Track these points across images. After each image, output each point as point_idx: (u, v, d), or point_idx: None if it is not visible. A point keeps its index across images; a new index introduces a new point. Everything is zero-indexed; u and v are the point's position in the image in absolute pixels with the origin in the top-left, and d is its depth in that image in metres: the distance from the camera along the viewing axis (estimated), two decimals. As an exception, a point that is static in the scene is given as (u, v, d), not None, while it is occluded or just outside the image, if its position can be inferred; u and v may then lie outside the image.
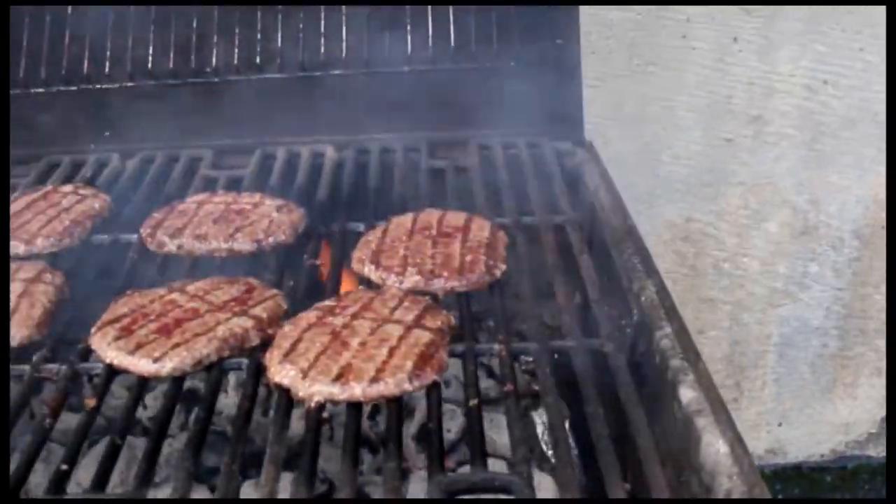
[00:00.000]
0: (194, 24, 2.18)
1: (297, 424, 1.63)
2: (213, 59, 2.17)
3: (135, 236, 1.69)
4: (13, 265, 1.57)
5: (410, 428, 1.68)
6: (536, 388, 1.61)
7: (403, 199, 1.80)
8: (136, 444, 1.68)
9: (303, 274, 1.58)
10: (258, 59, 2.16)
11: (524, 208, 1.75)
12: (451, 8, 2.14)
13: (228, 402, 1.75)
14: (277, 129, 2.12)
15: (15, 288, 1.49)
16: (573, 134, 2.04)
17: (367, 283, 1.54)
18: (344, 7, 2.15)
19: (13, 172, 2.03)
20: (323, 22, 2.16)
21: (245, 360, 1.37)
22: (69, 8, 2.19)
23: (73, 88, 2.18)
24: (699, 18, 2.86)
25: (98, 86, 2.18)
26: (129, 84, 2.17)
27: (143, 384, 1.35)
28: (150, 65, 2.17)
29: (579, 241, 1.64)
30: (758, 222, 3.08)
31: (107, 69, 2.17)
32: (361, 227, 1.70)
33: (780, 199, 3.05)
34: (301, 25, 2.17)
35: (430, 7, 2.15)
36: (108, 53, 2.17)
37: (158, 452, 1.24)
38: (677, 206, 3.04)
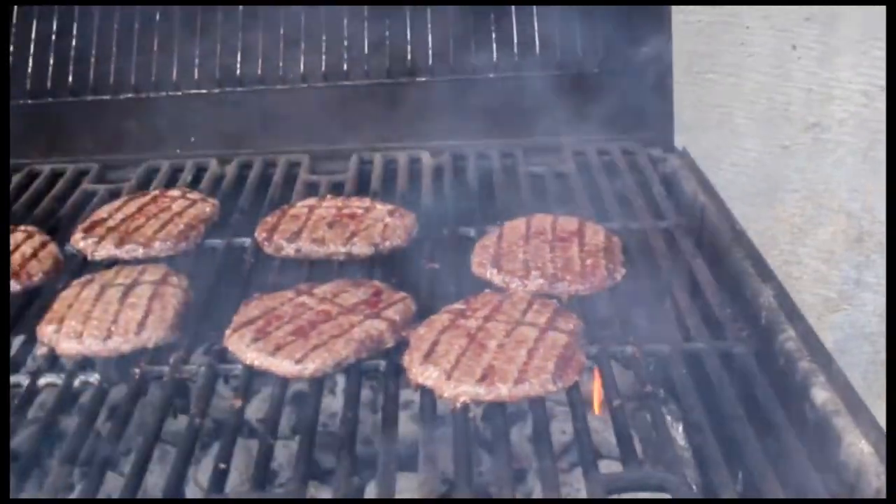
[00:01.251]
0: (281, 31, 2.20)
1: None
2: (301, 66, 2.19)
3: (248, 240, 1.71)
4: (137, 267, 1.59)
5: (524, 429, 1.70)
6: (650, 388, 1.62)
7: (507, 204, 1.82)
8: (250, 446, 1.70)
9: (422, 277, 1.60)
10: (345, 66, 2.19)
11: (628, 213, 1.77)
12: (534, 11, 2.16)
13: (337, 404, 1.76)
14: (367, 135, 2.14)
15: (144, 290, 1.51)
16: (663, 140, 2.06)
17: (488, 285, 1.55)
18: (429, 11, 2.17)
19: (108, 177, 2.05)
20: (409, 30, 2.18)
21: (382, 362, 1.39)
22: (157, 14, 2.21)
23: (162, 94, 2.20)
24: (759, 26, 2.88)
25: (185, 92, 2.20)
26: (217, 90, 2.20)
27: (284, 385, 1.37)
28: (238, 71, 2.19)
29: (690, 246, 1.66)
30: (813, 228, 3.10)
31: (195, 75, 2.19)
32: (472, 231, 1.72)
33: (836, 206, 3.06)
34: (387, 33, 2.19)
35: (513, 8, 2.16)
36: (197, 60, 2.19)
37: (313, 452, 1.26)
38: (734, 212, 3.05)
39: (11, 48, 2.22)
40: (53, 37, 2.22)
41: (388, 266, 1.63)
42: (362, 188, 1.89)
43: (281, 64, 2.19)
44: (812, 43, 2.88)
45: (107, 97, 2.20)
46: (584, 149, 2.01)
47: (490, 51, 2.17)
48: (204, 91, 2.20)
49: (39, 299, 1.59)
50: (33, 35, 2.22)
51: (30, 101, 2.21)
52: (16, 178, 2.03)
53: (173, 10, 2.21)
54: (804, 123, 2.98)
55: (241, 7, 2.21)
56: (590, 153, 1.99)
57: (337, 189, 1.89)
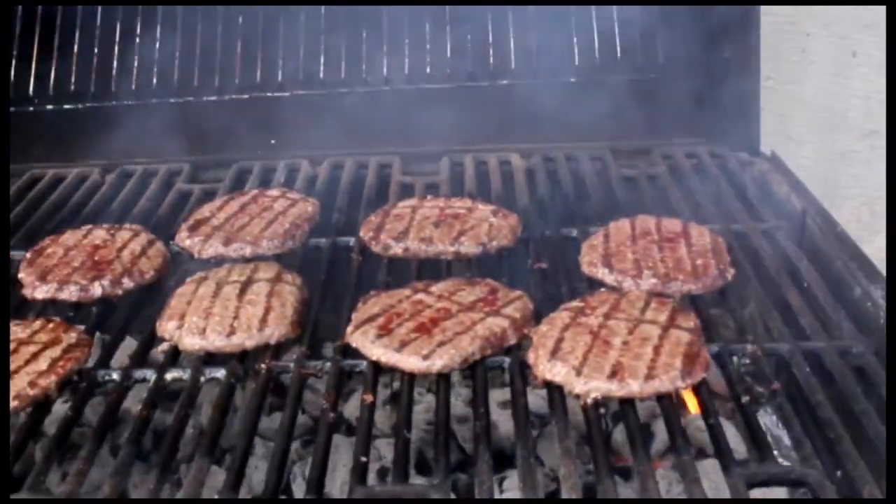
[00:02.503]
0: (364, 35, 2.22)
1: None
2: (384, 69, 2.21)
3: (352, 239, 1.73)
4: (249, 265, 1.60)
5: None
6: (760, 388, 1.64)
7: (603, 206, 1.83)
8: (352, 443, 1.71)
9: (531, 276, 1.61)
10: (427, 69, 2.20)
11: (726, 215, 1.78)
12: (615, 14, 2.18)
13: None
14: (449, 138, 2.15)
15: (261, 288, 1.52)
16: (749, 144, 2.08)
17: (598, 285, 1.57)
18: (511, 13, 2.19)
19: (202, 177, 2.07)
20: (491, 33, 2.20)
21: (506, 359, 1.40)
22: (240, 17, 2.23)
23: (245, 97, 2.22)
24: (819, 33, 2.89)
25: (268, 94, 2.22)
26: (300, 92, 2.21)
27: (411, 382, 1.38)
28: (321, 74, 2.21)
29: (794, 247, 1.67)
30: (870, 235, 3.10)
31: (279, 78, 2.21)
32: (574, 232, 1.73)
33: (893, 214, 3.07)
34: (469, 36, 2.21)
35: (593, 10, 2.18)
36: (281, 62, 2.21)
37: (449, 449, 1.27)
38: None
39: (96, 49, 2.24)
40: (137, 39, 2.24)
41: (495, 265, 1.64)
42: (456, 189, 1.91)
43: (364, 66, 2.21)
44: (873, 50, 2.88)
45: (189, 98, 2.22)
46: (671, 152, 2.03)
47: (571, 54, 2.19)
48: (287, 93, 2.21)
49: (152, 297, 1.61)
50: (117, 37, 2.24)
51: (114, 103, 2.23)
52: (109, 178, 2.05)
53: (256, 13, 2.23)
54: (862, 131, 2.99)
55: (322, 9, 2.22)
56: (678, 156, 2.01)
57: (432, 190, 1.90)
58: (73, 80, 2.25)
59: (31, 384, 1.35)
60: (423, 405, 1.76)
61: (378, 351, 1.39)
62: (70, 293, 1.58)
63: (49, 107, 2.24)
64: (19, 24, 2.26)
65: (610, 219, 1.73)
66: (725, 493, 1.17)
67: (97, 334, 1.54)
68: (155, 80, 2.23)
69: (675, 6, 2.14)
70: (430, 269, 1.64)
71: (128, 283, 1.60)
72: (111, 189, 2.00)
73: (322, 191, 1.93)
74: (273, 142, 2.23)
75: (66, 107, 2.24)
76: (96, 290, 1.58)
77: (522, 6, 2.20)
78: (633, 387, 1.29)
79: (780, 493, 1.57)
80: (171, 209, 1.91)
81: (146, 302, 1.61)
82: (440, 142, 2.14)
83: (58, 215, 1.91)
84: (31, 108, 2.24)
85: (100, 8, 2.25)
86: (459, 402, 1.78)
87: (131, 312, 1.58)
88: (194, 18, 2.24)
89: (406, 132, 2.15)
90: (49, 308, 1.57)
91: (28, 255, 1.68)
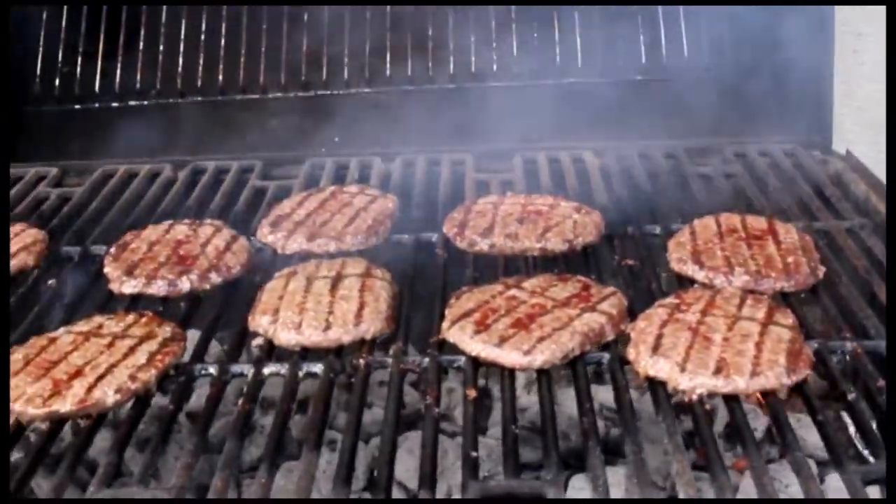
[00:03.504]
0: (429, 32, 2.22)
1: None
2: (451, 67, 2.21)
3: (434, 235, 1.73)
4: (337, 261, 1.60)
5: (716, 426, 1.70)
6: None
7: (680, 203, 1.83)
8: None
9: (619, 273, 1.61)
10: (494, 67, 2.20)
11: (808, 213, 1.78)
12: (681, 14, 2.18)
13: (525, 400, 1.77)
14: (517, 134, 2.15)
15: (352, 283, 1.52)
16: (821, 142, 2.07)
17: (688, 282, 1.57)
18: (577, 14, 2.19)
19: (273, 173, 2.07)
20: (557, 31, 2.20)
21: (605, 355, 1.40)
22: (305, 15, 2.23)
23: (311, 94, 2.22)
24: (871, 34, 2.88)
25: (336, 92, 2.22)
26: (367, 90, 2.22)
27: (511, 377, 1.37)
28: (388, 72, 2.21)
29: (880, 246, 1.67)
30: (922, 235, 3.09)
31: (345, 76, 2.21)
32: (657, 229, 1.73)
33: (944, 213, 3.06)
34: (535, 35, 2.20)
35: (660, 10, 2.18)
36: (346, 60, 2.21)
37: (558, 444, 1.27)
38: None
39: (161, 47, 2.25)
40: (202, 37, 2.24)
41: (580, 262, 1.64)
42: (532, 186, 1.90)
43: (430, 65, 2.21)
44: (925, 50, 2.87)
45: (256, 95, 2.22)
46: (744, 150, 2.02)
47: (638, 53, 2.19)
48: (353, 91, 2.22)
49: (238, 292, 1.61)
50: (182, 35, 2.24)
51: (179, 100, 2.23)
52: (182, 175, 2.05)
53: (322, 11, 2.23)
54: (913, 130, 2.97)
55: (388, 8, 2.22)
56: (752, 154, 2.00)
57: (507, 187, 1.90)
58: (138, 77, 2.25)
59: (132, 378, 1.34)
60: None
61: (477, 346, 1.39)
62: (158, 288, 1.58)
63: (114, 104, 2.24)
64: (84, 23, 2.26)
65: (689, 216, 1.73)
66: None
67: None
68: (221, 78, 2.23)
69: (746, 6, 2.14)
70: (514, 266, 1.64)
71: (215, 278, 1.60)
72: (185, 185, 2.01)
73: (398, 187, 1.93)
74: (336, 139, 2.23)
75: (132, 103, 2.24)
76: (184, 284, 1.58)
77: (588, 6, 2.19)
78: (739, 383, 1.29)
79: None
80: (247, 205, 1.91)
81: (232, 297, 1.60)
82: (508, 139, 2.14)
83: (134, 211, 1.91)
84: (97, 105, 2.24)
85: (164, 7, 2.25)
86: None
87: (219, 307, 1.58)
88: (259, 17, 2.24)
89: (474, 130, 2.15)
90: (135, 303, 1.58)
91: (112, 250, 1.69)
